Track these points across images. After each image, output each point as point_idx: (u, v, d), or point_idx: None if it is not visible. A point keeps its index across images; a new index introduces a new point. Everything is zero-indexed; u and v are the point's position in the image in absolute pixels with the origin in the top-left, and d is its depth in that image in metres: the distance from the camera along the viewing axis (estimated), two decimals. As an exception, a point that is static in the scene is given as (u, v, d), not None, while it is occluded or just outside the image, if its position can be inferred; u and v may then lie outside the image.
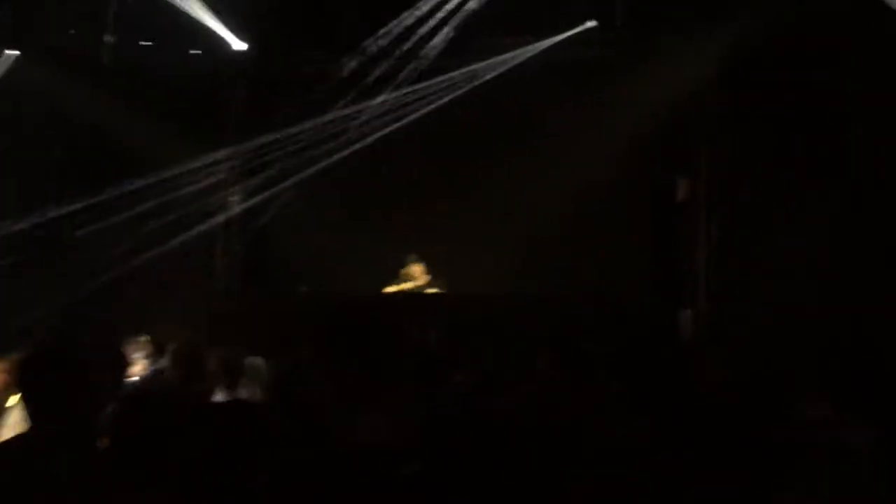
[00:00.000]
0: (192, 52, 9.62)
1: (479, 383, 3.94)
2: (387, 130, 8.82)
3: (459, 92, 8.83)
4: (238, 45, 9.53)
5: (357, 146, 8.90)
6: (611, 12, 8.67)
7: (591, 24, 8.68)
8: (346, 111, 8.91)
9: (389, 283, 8.78)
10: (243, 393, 4.40)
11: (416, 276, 8.64)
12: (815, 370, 3.78)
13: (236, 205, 9.72)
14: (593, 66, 8.89)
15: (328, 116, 8.93)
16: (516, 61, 8.77)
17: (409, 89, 8.86)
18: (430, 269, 8.77)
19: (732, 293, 8.27)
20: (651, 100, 8.70)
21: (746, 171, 8.42)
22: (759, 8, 7.85)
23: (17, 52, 9.12)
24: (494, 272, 8.93)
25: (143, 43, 9.53)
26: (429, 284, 8.68)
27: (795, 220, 7.93)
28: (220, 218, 9.57)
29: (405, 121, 8.82)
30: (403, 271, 8.70)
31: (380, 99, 8.79)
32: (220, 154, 9.20)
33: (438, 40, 8.57)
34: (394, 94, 8.80)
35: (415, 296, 8.58)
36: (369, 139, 8.84)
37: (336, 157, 9.02)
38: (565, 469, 2.85)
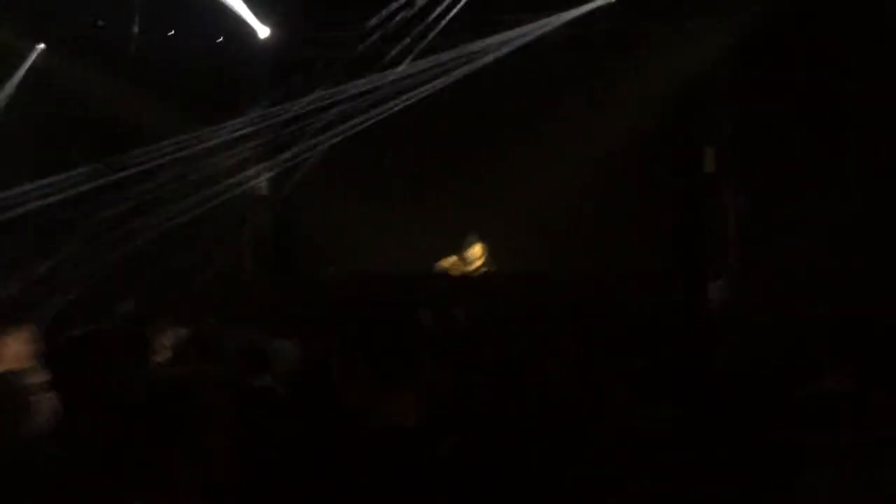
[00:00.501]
0: (217, 40, 9.65)
1: (508, 363, 3.95)
2: (401, 104, 8.69)
3: (479, 64, 8.69)
4: (262, 31, 9.53)
5: (375, 119, 8.78)
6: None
7: (612, -2, 8.56)
8: (362, 87, 8.82)
9: (430, 263, 8.78)
10: (267, 378, 4.41)
11: (478, 257, 8.63)
12: (841, 342, 3.74)
13: (264, 188, 9.78)
14: (619, 38, 8.80)
15: (346, 92, 8.85)
16: (536, 34, 8.66)
17: (427, 63, 8.74)
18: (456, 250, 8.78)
19: (762, 262, 8.20)
20: (678, 71, 8.63)
21: (773, 141, 8.32)
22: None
23: (42, 45, 9.19)
24: (524, 250, 8.93)
25: (168, 33, 9.56)
26: (485, 265, 8.67)
27: (823, 190, 7.84)
28: (248, 201, 9.63)
29: (422, 92, 8.69)
30: (464, 252, 8.68)
31: (396, 71, 8.67)
32: (243, 129, 9.17)
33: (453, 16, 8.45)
34: (409, 70, 8.68)
35: (440, 276, 8.59)
36: (387, 111, 8.72)
37: (354, 132, 8.94)
38: (592, 446, 2.86)
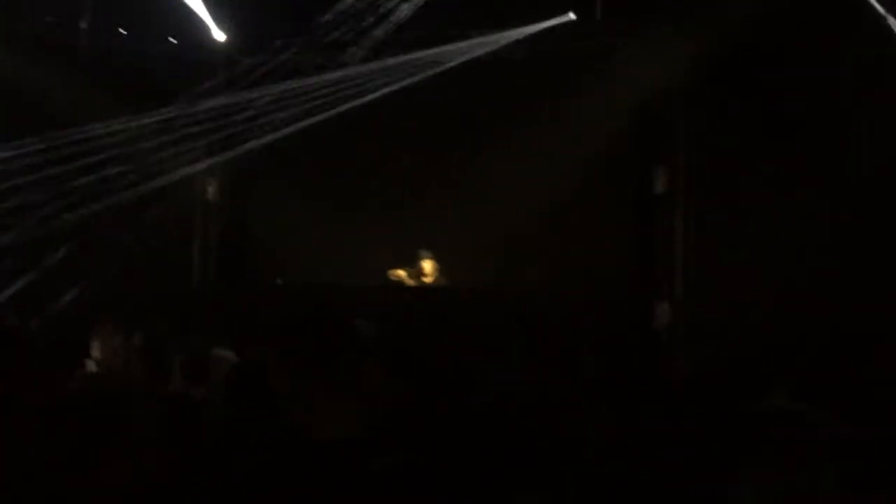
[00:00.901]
0: (170, 40, 9.52)
1: (454, 376, 3.93)
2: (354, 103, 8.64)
3: (431, 74, 8.70)
4: (219, 34, 9.43)
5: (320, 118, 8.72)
6: (590, 5, 8.64)
7: (570, 16, 8.65)
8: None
9: (382, 275, 8.73)
10: (202, 389, 4.32)
11: (428, 273, 8.59)
12: (784, 362, 3.80)
13: (215, 194, 9.66)
14: (573, 59, 8.89)
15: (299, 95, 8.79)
16: (493, 48, 8.70)
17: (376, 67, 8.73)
18: (408, 262, 8.73)
19: (708, 285, 8.30)
20: (630, 92, 8.73)
21: (725, 163, 8.45)
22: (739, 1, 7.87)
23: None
24: (473, 265, 8.93)
25: (121, 31, 9.42)
26: (435, 282, 8.62)
27: (773, 213, 7.97)
28: (199, 207, 9.51)
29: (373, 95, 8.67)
30: (415, 266, 8.63)
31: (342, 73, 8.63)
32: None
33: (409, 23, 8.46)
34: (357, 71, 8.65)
35: (390, 288, 8.54)
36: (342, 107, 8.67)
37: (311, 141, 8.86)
38: (538, 457, 2.85)
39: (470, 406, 3.37)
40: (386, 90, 8.61)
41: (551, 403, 3.37)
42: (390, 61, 8.65)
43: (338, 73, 8.65)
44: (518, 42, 8.80)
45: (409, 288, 8.58)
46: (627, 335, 7.44)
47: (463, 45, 8.66)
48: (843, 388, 3.17)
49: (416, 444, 2.43)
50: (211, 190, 9.68)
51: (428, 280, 8.59)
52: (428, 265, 8.57)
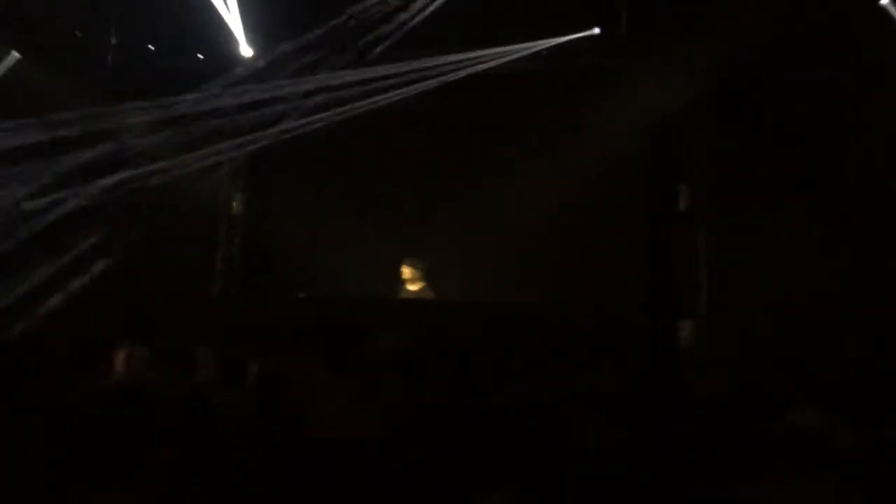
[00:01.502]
0: (198, 55, 9.63)
1: (467, 385, 3.91)
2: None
3: (453, 79, 8.70)
4: (246, 50, 9.50)
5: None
6: (615, 20, 8.65)
7: (594, 30, 8.65)
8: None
9: (390, 287, 8.74)
10: (233, 394, 4.37)
11: (409, 279, 8.58)
12: (808, 378, 3.75)
13: (240, 206, 9.74)
14: (596, 73, 8.89)
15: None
16: (514, 57, 8.71)
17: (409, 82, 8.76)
18: (431, 275, 8.73)
19: (732, 304, 8.24)
20: (653, 108, 8.69)
21: (748, 180, 8.41)
22: (760, 18, 7.85)
23: (18, 54, 9.10)
24: (493, 280, 8.91)
25: (149, 46, 9.53)
26: (423, 289, 8.62)
27: (796, 231, 7.92)
28: (223, 219, 9.59)
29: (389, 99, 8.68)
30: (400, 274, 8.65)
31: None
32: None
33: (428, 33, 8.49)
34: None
35: (408, 302, 8.53)
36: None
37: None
38: (550, 468, 2.83)
39: (481, 414, 3.35)
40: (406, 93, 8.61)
41: (566, 416, 3.35)
42: (412, 65, 8.64)
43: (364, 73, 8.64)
44: (540, 54, 8.82)
45: (431, 302, 8.57)
46: (648, 353, 7.38)
47: (486, 52, 8.65)
48: (870, 403, 3.12)
49: (426, 447, 2.44)
50: (236, 201, 9.76)
51: (413, 288, 8.57)
52: (406, 272, 8.55)
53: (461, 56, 8.66)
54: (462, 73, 8.67)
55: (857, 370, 3.34)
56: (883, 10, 7.62)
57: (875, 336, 6.57)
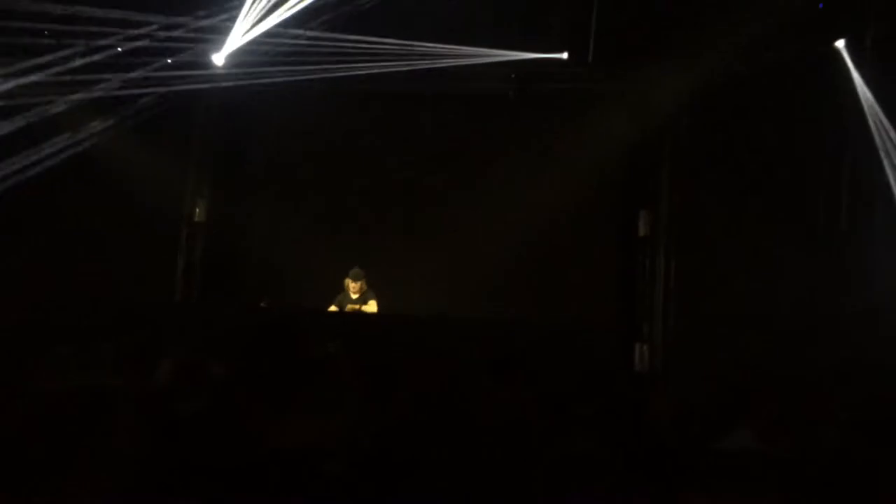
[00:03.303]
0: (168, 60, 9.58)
1: (429, 398, 3.97)
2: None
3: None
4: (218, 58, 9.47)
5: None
6: (583, 47, 8.79)
7: (562, 55, 8.79)
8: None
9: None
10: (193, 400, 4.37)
11: (354, 291, 8.60)
12: (754, 401, 3.86)
13: (201, 213, 9.71)
14: (562, 99, 9.04)
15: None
16: (484, 75, 8.79)
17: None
18: (386, 287, 8.77)
19: (687, 329, 8.38)
20: (617, 135, 8.86)
21: (707, 207, 8.58)
22: (726, 49, 8.05)
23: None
24: (457, 297, 8.97)
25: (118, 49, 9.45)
26: (363, 298, 8.63)
27: (755, 258, 8.09)
28: (185, 226, 9.57)
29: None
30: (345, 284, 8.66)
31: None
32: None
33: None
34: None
35: (360, 315, 8.54)
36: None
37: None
38: (494, 479, 2.90)
39: (444, 427, 3.41)
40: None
41: (527, 428, 3.42)
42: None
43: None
44: (510, 79, 8.93)
45: (392, 315, 8.60)
46: (608, 374, 7.48)
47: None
48: (807, 425, 3.25)
49: (372, 454, 2.49)
50: (198, 209, 9.74)
51: (355, 296, 8.58)
52: (354, 285, 8.57)
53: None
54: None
55: (802, 392, 3.47)
56: (836, 51, 7.91)
57: (824, 357, 6.74)
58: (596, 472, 3.20)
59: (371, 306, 8.57)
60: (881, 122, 7.84)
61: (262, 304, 9.05)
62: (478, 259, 8.96)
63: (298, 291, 9.16)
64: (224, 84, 9.07)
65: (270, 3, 8.52)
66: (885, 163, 7.81)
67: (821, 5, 7.82)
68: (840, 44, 8.00)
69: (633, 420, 4.73)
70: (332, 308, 8.56)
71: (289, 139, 9.77)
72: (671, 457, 3.47)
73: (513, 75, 8.99)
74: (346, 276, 8.58)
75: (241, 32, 8.89)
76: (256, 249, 9.68)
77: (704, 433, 3.84)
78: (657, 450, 3.74)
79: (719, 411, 3.90)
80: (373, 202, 9.59)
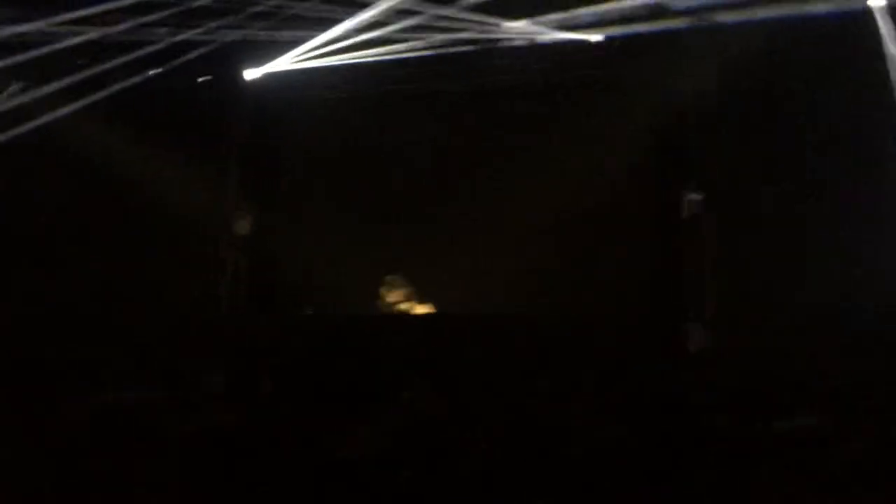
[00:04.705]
0: (200, 78, 9.66)
1: (472, 397, 3.93)
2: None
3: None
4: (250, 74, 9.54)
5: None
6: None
7: (597, 38, 8.63)
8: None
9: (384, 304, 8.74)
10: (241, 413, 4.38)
11: (399, 298, 8.60)
12: (814, 381, 3.75)
13: (244, 227, 9.77)
14: (599, 81, 8.91)
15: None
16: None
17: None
18: (432, 288, 8.74)
19: (739, 306, 8.22)
20: (657, 116, 8.71)
21: (753, 186, 8.40)
22: (764, 24, 7.87)
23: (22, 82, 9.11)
24: (502, 290, 8.90)
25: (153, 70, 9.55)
26: (411, 302, 8.62)
27: (802, 235, 7.91)
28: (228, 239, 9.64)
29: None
30: (385, 291, 8.65)
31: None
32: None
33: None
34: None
35: (413, 317, 8.52)
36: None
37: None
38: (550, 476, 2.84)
39: (490, 423, 3.36)
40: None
41: (575, 421, 3.36)
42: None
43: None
44: (540, 68, 8.82)
45: (439, 316, 8.58)
46: (656, 357, 7.37)
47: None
48: (871, 404, 3.12)
49: (423, 463, 2.45)
50: (241, 221, 9.80)
51: (401, 305, 8.57)
52: (397, 286, 8.56)
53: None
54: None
55: (861, 374, 3.35)
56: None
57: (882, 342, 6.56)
58: (648, 458, 3.13)
59: (416, 310, 8.57)
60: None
61: (307, 313, 9.09)
62: (519, 248, 8.86)
63: (342, 299, 9.16)
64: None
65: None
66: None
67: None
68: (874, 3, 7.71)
69: (684, 404, 4.63)
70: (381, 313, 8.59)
71: (326, 146, 9.77)
72: (732, 440, 3.37)
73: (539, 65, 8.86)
74: (388, 281, 8.59)
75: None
76: (298, 259, 9.69)
77: (765, 415, 3.73)
78: (713, 432, 3.64)
79: (780, 390, 3.80)
80: (411, 204, 9.56)
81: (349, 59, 8.73)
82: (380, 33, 8.32)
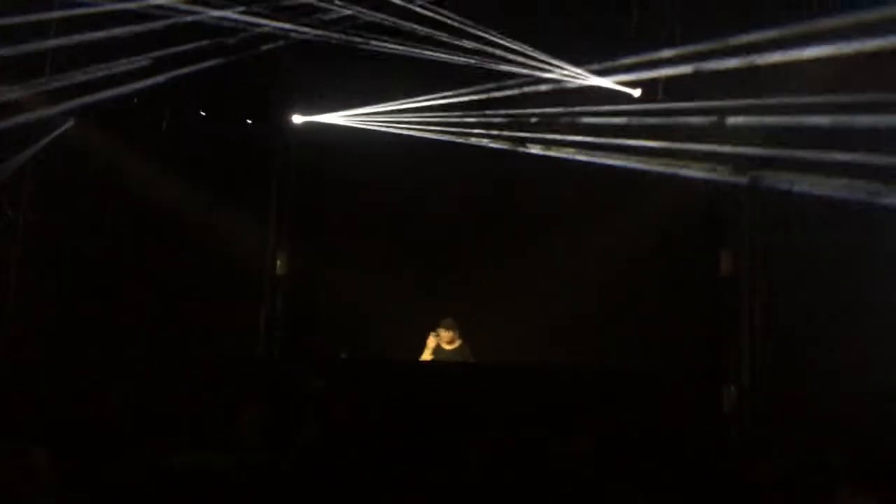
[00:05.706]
0: (248, 121, 9.87)
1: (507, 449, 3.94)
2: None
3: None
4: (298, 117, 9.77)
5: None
6: (652, 85, 8.73)
7: (635, 92, 8.74)
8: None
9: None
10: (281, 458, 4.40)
11: (447, 341, 8.63)
12: (855, 454, 3.70)
13: (282, 266, 9.88)
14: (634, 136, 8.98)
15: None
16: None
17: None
18: (471, 337, 8.77)
19: (777, 370, 8.13)
20: (692, 173, 8.74)
21: (790, 244, 8.35)
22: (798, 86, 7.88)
23: (73, 118, 9.34)
24: (536, 345, 8.91)
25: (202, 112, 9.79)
26: (460, 349, 8.65)
27: (841, 295, 7.81)
28: (265, 281, 9.75)
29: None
30: (435, 334, 8.70)
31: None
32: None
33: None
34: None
35: (450, 364, 8.53)
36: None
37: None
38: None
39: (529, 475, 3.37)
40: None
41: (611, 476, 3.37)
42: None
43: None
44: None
45: (475, 365, 8.59)
46: (694, 418, 7.30)
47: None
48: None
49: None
50: (279, 262, 9.90)
51: (448, 348, 8.60)
52: (445, 334, 8.60)
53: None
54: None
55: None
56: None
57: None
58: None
59: (466, 355, 8.60)
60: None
61: (342, 356, 9.12)
62: (559, 306, 8.91)
63: (380, 343, 9.21)
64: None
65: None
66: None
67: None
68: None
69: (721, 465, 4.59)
70: (427, 357, 8.61)
71: (367, 189, 9.90)
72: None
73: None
74: (439, 325, 8.62)
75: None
76: (337, 301, 9.77)
77: (802, 487, 3.70)
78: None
79: (819, 461, 3.76)
80: (452, 251, 9.63)
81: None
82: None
